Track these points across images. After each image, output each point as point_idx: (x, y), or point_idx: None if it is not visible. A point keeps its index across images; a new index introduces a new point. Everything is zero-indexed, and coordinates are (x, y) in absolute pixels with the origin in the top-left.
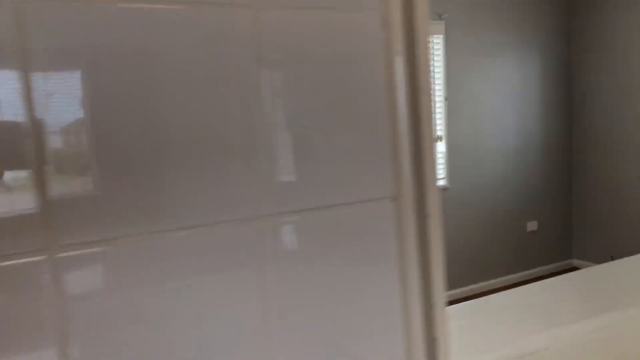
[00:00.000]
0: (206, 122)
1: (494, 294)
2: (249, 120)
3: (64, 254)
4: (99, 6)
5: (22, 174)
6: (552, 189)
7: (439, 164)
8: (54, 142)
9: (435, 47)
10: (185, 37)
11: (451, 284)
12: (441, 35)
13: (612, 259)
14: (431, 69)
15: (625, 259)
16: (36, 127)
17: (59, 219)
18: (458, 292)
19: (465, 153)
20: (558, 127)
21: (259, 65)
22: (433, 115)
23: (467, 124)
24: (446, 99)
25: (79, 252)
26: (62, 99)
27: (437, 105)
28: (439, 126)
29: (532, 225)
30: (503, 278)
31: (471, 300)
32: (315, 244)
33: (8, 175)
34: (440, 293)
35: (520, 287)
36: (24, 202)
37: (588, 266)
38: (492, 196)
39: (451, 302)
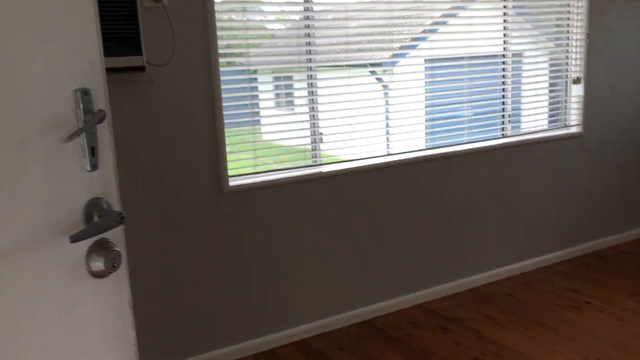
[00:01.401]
0: None
1: None
2: None
3: None
4: None
5: None
6: None
7: (575, 108)
8: None
9: None
10: None
11: (581, 236)
12: None
13: None
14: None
15: None
16: None
17: None
18: (593, 244)
19: (601, 97)
20: None
21: None
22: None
23: (604, 66)
24: (587, 36)
25: None
26: None
27: (577, 44)
28: (578, 66)
29: None
30: (631, 232)
31: None
32: None
33: None
34: None
35: None
36: None
37: None
38: (624, 145)
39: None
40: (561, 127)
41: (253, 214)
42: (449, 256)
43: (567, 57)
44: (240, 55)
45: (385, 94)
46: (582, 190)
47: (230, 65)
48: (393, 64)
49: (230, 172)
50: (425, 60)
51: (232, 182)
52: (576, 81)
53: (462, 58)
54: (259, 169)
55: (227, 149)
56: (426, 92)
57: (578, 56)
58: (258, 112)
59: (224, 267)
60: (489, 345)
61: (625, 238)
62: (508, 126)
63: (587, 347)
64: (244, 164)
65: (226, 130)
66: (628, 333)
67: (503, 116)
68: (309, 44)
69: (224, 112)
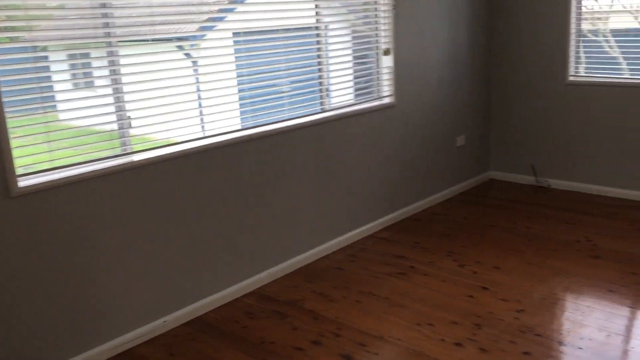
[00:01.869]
0: None
1: None
2: None
3: None
4: None
5: None
6: (476, 102)
7: (386, 79)
8: None
9: None
10: None
11: (399, 202)
12: None
13: (533, 167)
14: None
15: None
16: None
17: None
18: (409, 209)
19: (409, 67)
20: (481, 39)
21: None
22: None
23: (411, 36)
24: (394, 7)
25: None
26: None
27: (386, 15)
28: (388, 38)
29: (460, 140)
30: (440, 194)
31: None
32: None
33: None
34: None
35: None
36: None
37: (505, 178)
38: (432, 112)
39: (404, 221)
40: (375, 99)
41: (50, 218)
42: (276, 237)
43: (376, 29)
44: (23, 29)
45: (195, 70)
46: (397, 158)
47: (14, 41)
48: (200, 37)
49: (19, 171)
50: (234, 33)
51: (23, 183)
52: (386, 52)
53: (276, 30)
54: (56, 163)
55: (13, 143)
56: (237, 68)
57: (387, 27)
58: (53, 97)
59: (17, 284)
60: (326, 325)
61: (436, 200)
62: (326, 100)
63: (417, 313)
64: (38, 159)
65: (9, 119)
66: (450, 293)
67: (320, 90)
68: (106, 15)
69: (3, 98)
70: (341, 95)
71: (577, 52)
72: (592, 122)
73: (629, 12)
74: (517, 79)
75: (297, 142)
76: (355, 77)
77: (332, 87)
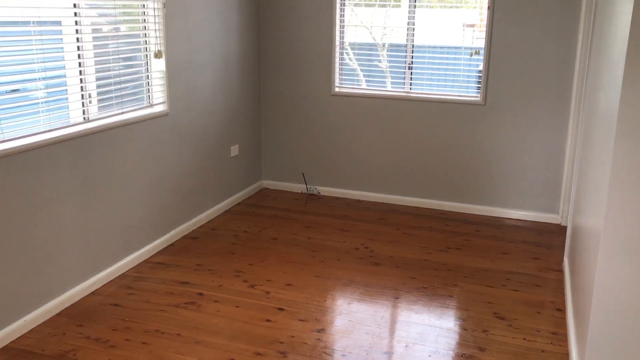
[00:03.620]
0: None
1: None
2: None
3: None
4: None
5: None
6: (248, 111)
7: (158, 85)
8: None
9: None
10: None
11: (174, 220)
12: None
13: (304, 176)
14: None
15: None
16: None
17: None
18: (186, 226)
19: (182, 72)
20: (251, 46)
21: None
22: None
23: (183, 38)
24: (164, 5)
25: None
26: None
27: (157, 14)
28: (158, 38)
29: (235, 150)
30: (217, 207)
31: None
32: None
33: None
34: None
35: None
36: None
37: (277, 187)
38: (206, 121)
39: (181, 240)
40: (146, 107)
41: None
42: (33, 275)
43: (145, 28)
44: None
45: None
46: (172, 172)
47: None
48: None
49: None
50: None
51: None
52: (157, 55)
53: (27, 23)
54: None
55: None
56: None
57: (157, 27)
58: None
59: None
60: None
61: (213, 214)
62: (91, 108)
63: (215, 349)
64: None
65: None
66: (246, 319)
67: (82, 97)
68: None
69: None
70: (106, 104)
71: (341, 64)
72: (355, 132)
73: (383, 27)
74: (286, 88)
75: (55, 159)
76: (123, 82)
77: (95, 94)
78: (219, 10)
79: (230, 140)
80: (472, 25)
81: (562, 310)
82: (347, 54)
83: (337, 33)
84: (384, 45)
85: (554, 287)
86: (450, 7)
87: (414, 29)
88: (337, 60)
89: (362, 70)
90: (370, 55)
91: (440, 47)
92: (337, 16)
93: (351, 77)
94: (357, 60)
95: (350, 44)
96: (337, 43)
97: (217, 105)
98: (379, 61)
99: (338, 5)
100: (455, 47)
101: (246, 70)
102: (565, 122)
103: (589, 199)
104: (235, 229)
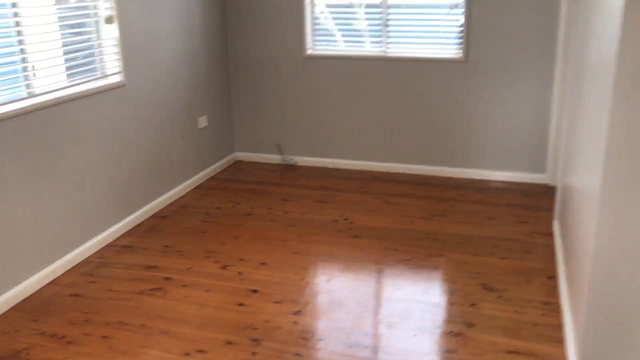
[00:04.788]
0: None
1: None
2: None
3: None
4: None
5: None
6: (215, 79)
7: (112, 53)
8: None
9: None
10: None
11: (140, 199)
12: None
13: (279, 146)
14: None
15: None
16: None
17: None
18: (154, 205)
19: (138, 39)
20: (215, 7)
21: None
22: None
23: (137, 0)
24: None
25: None
26: None
27: None
28: (109, 2)
29: (202, 121)
30: (187, 182)
31: None
32: None
33: None
34: None
35: None
36: None
37: (251, 159)
38: (168, 91)
39: (149, 220)
40: (99, 78)
41: None
42: None
43: None
44: None
45: None
46: (133, 147)
47: None
48: None
49: None
50: None
51: None
52: (109, 20)
53: None
54: None
55: None
56: None
57: None
58: None
59: None
60: None
61: (182, 190)
62: (36, 82)
63: (183, 339)
64: None
65: None
66: (217, 304)
67: (25, 69)
68: None
69: None
70: (53, 75)
71: (314, 25)
72: (332, 96)
73: None
74: (255, 52)
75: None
76: (71, 52)
77: (40, 65)
78: None
79: (198, 111)
80: None
81: (553, 277)
82: (322, 12)
83: None
84: (360, 4)
85: (543, 252)
86: None
87: None
88: (309, 20)
89: (337, 30)
90: (344, 14)
91: (418, 5)
92: None
93: (326, 38)
94: (332, 19)
95: (326, 4)
96: (308, 1)
97: (180, 74)
98: (354, 20)
99: None
100: (433, 4)
101: (211, 34)
102: (551, 76)
103: (583, 156)
104: (207, 205)
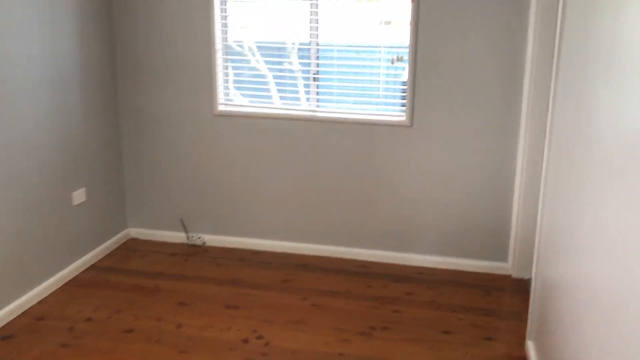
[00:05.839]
0: None
1: None
2: None
3: None
4: None
5: None
6: (99, 141)
7: None
8: None
9: None
10: None
11: None
12: None
13: (182, 222)
14: None
15: None
16: None
17: None
18: (16, 306)
19: None
20: (99, 53)
21: None
22: None
23: None
24: None
25: None
26: None
27: None
28: None
29: (79, 196)
30: (51, 280)
31: None
32: None
33: None
34: None
35: None
36: None
37: (149, 236)
38: (26, 161)
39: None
40: None
41: None
42: None
43: None
44: None
45: None
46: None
47: None
48: None
49: None
50: None
51: None
52: None
53: None
54: None
55: None
56: None
57: None
58: None
59: None
60: None
61: (43, 292)
62: None
63: None
64: None
65: None
66: None
67: None
68: None
69: None
70: None
71: (227, 74)
72: (249, 162)
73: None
74: (154, 108)
75: None
76: None
77: None
78: (42, 6)
79: (72, 183)
80: (389, 23)
81: None
82: (241, 59)
83: (218, 32)
84: (286, 49)
85: None
86: (363, 0)
87: (317, 27)
88: (220, 68)
89: (256, 81)
90: (268, 62)
91: (354, 50)
92: (217, 9)
93: (243, 92)
94: (251, 69)
95: (245, 48)
96: (220, 47)
97: (46, 138)
98: (278, 70)
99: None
100: (371, 51)
101: (94, 86)
102: (514, 145)
103: (588, 247)
104: (73, 315)
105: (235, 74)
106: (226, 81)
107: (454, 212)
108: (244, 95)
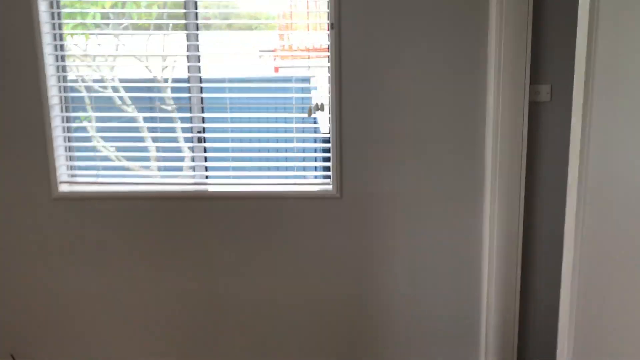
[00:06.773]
0: None
1: None
2: None
3: None
4: None
5: None
6: None
7: None
8: None
9: None
10: None
11: None
12: None
13: (13, 357)
14: None
15: None
16: None
17: None
18: None
19: None
20: None
21: None
22: None
23: None
24: None
25: None
26: None
27: None
28: None
29: None
30: None
31: None
32: None
33: None
34: None
35: None
36: None
37: None
38: None
39: None
40: None
41: None
42: None
43: None
44: None
45: None
46: None
47: None
48: None
49: None
50: None
51: None
52: None
53: None
54: None
55: None
56: None
57: None
58: None
59: None
60: None
61: None
62: None
63: None
64: None
65: None
66: None
67: None
68: None
69: None
70: None
71: (71, 138)
72: (105, 265)
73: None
74: None
75: None
76: None
77: None
78: None
79: None
80: (273, 51)
81: None
82: (86, 116)
83: (53, 79)
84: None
85: None
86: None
87: (199, 57)
88: (57, 130)
89: (117, 148)
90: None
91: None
92: (45, 46)
93: (97, 163)
94: (108, 129)
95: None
96: (56, 100)
97: None
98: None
99: (46, 32)
100: (282, 89)
101: None
102: (479, 214)
103: None
104: None
105: (79, 139)
106: (71, 148)
107: (405, 311)
108: (96, 168)
